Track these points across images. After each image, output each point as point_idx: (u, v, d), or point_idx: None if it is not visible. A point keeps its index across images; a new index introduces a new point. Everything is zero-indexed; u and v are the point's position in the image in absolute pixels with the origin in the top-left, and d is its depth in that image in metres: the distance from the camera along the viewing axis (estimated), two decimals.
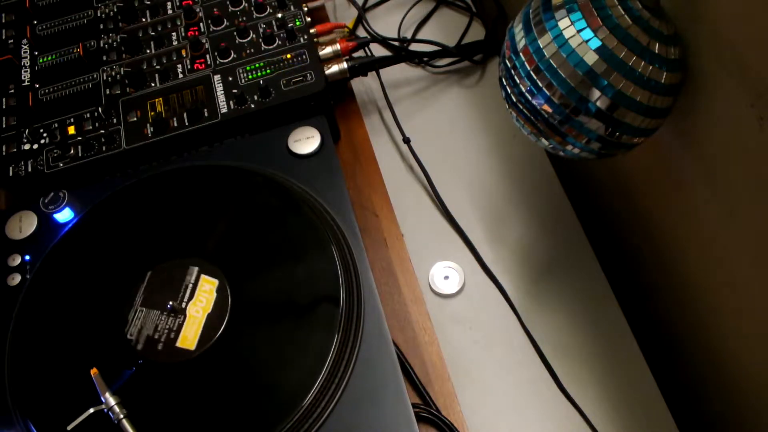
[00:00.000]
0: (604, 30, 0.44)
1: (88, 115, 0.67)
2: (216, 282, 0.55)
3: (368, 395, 0.50)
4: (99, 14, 0.74)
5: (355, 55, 0.74)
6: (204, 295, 0.54)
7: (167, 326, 0.53)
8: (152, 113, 0.66)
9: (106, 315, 0.55)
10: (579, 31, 0.44)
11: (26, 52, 0.72)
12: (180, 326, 0.53)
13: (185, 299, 0.54)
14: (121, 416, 0.49)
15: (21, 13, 0.75)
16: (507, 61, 0.49)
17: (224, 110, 0.66)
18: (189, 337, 0.53)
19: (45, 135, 0.66)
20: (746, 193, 0.47)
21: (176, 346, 0.52)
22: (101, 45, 0.72)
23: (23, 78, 0.71)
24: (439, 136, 0.77)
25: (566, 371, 0.62)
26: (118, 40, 0.72)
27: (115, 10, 0.74)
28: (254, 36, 0.70)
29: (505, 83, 0.50)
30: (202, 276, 0.55)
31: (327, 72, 0.69)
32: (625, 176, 0.67)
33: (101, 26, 0.73)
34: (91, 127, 0.66)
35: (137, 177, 0.63)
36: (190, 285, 0.55)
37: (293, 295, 0.55)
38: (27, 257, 0.59)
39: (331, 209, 0.58)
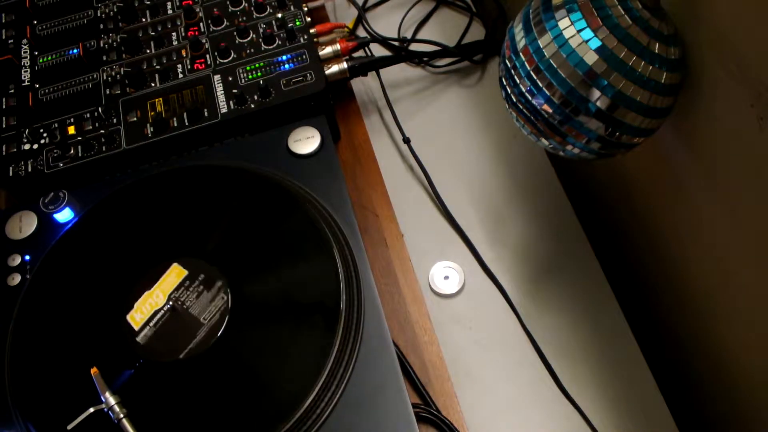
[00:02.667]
0: (604, 30, 0.44)
1: (88, 115, 0.67)
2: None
3: (368, 395, 0.50)
4: (99, 14, 0.74)
5: (355, 55, 0.74)
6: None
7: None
8: (152, 113, 0.66)
9: (106, 315, 0.55)
10: (579, 31, 0.44)
11: (26, 52, 0.72)
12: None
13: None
14: (121, 416, 0.49)
15: (21, 13, 0.75)
16: (507, 61, 0.49)
17: (224, 110, 0.66)
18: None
19: (45, 135, 0.66)
20: (746, 193, 0.47)
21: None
22: (101, 45, 0.72)
23: (23, 78, 0.71)
24: (439, 136, 0.77)
25: (566, 371, 0.62)
26: (118, 40, 0.72)
27: (115, 10, 0.74)
28: (254, 36, 0.70)
29: (505, 83, 0.50)
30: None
31: (327, 72, 0.69)
32: (625, 176, 0.67)
33: (101, 26, 0.73)
34: (91, 127, 0.66)
35: (137, 177, 0.63)
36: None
37: (293, 295, 0.55)
38: (27, 257, 0.59)
39: (331, 209, 0.58)
